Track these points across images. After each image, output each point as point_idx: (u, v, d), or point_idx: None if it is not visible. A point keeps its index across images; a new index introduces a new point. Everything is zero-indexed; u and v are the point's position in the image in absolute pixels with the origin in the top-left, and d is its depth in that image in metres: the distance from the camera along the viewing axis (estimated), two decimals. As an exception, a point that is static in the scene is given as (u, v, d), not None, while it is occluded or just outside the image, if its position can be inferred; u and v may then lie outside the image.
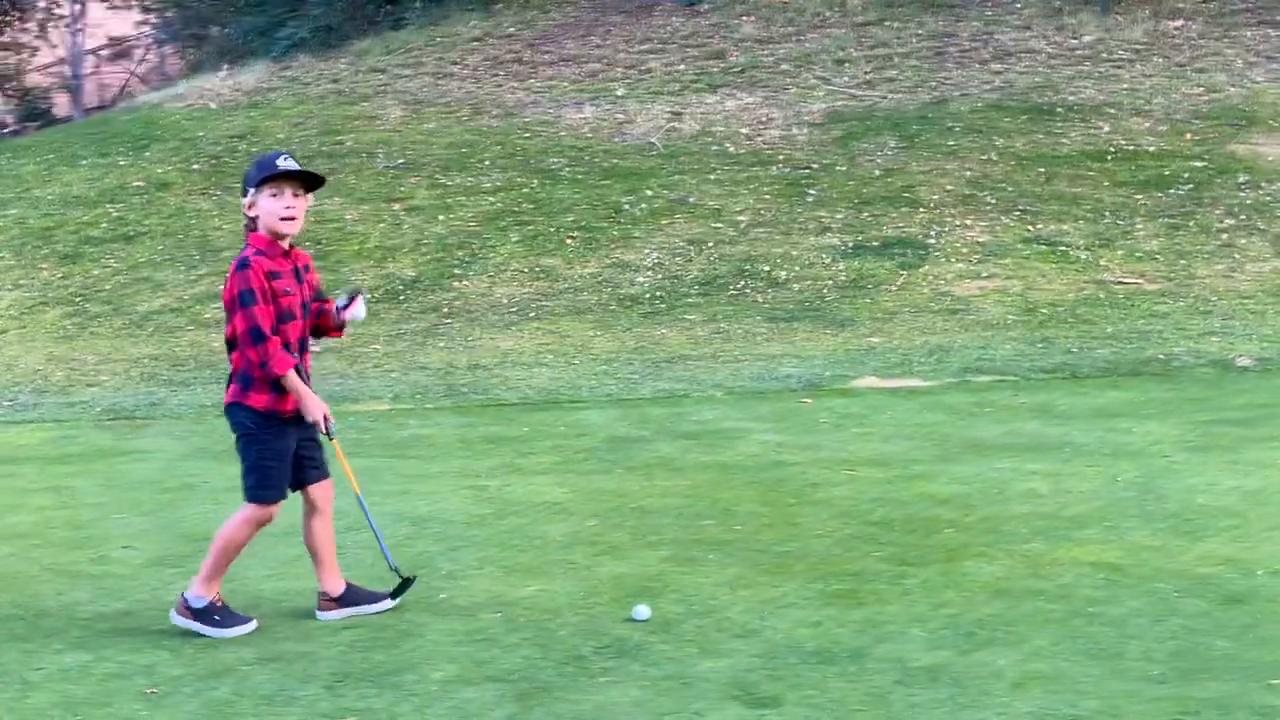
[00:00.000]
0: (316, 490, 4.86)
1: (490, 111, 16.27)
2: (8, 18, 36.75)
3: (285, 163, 4.59)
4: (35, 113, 33.39)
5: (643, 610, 4.92)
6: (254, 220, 4.66)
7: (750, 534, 5.96)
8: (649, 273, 12.06)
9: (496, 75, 17.54)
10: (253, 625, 4.78)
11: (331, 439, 4.85)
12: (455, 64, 18.09)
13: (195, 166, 15.44)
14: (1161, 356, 9.42)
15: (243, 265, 4.55)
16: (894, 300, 11.31)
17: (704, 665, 4.41)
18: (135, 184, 15.12)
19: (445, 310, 11.72)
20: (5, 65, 36.52)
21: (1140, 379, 8.91)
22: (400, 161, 14.80)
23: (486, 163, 14.64)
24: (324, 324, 4.87)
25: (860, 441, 7.66)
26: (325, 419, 4.74)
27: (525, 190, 13.89)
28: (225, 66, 21.84)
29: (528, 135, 15.34)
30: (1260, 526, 5.79)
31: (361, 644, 4.75)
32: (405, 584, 4.98)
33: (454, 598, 5.03)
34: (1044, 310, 10.90)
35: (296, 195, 4.63)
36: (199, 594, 4.77)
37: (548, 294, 11.84)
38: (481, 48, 18.55)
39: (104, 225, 14.19)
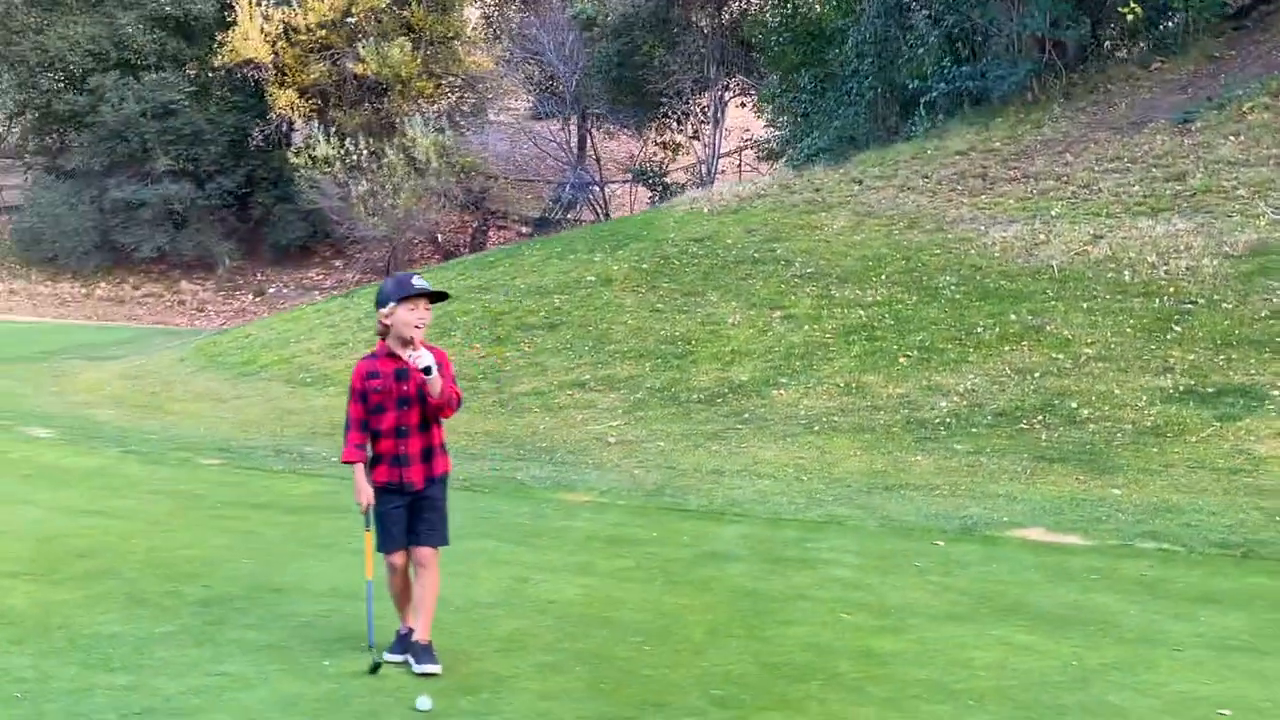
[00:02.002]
0: (413, 553, 6.14)
1: (924, 226, 16.64)
2: (670, 120, 41.35)
3: (419, 282, 5.95)
4: (669, 208, 36.91)
5: (424, 701, 5.75)
6: (386, 329, 6.09)
7: (599, 658, 6.46)
8: (955, 398, 12.09)
9: (955, 190, 17.82)
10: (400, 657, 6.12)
11: (366, 529, 6.15)
12: (925, 177, 18.55)
13: (644, 265, 17.16)
14: None
15: (355, 369, 6.08)
16: (1182, 453, 10.62)
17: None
18: (589, 278, 17.10)
19: (746, 416, 12.46)
20: (654, 161, 41.07)
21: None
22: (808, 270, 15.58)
23: (883, 277, 15.11)
24: (434, 405, 5.99)
25: (910, 590, 7.69)
26: (364, 506, 6.05)
27: (898, 306, 14.23)
28: (767, 170, 23.61)
29: (938, 252, 15.60)
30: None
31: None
32: (375, 667, 6.00)
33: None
34: None
35: (427, 308, 5.94)
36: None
37: (846, 410, 12.23)
38: (957, 162, 18.85)
39: (542, 314, 16.24)
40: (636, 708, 5.74)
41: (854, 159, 20.83)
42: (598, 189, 41.06)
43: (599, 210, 41.28)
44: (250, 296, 42.01)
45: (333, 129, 39.80)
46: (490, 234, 44.59)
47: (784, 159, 25.38)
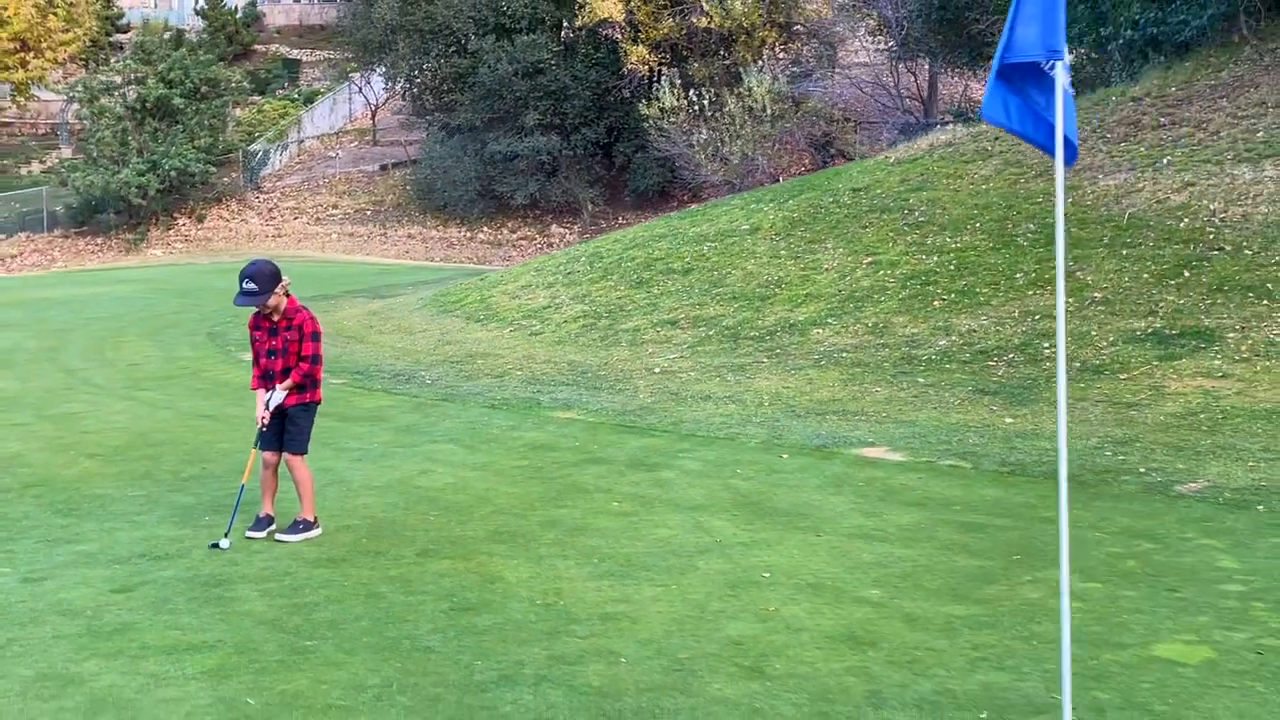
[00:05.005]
0: (285, 457, 8.70)
1: (1051, 174, 17.68)
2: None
3: (239, 299, 8.44)
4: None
5: (225, 543, 8.53)
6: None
7: (386, 523, 9.00)
8: (955, 338, 13.60)
9: (1104, 137, 18.60)
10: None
11: (254, 447, 8.79)
12: (1088, 125, 19.35)
13: (796, 215, 19.09)
14: (1142, 470, 9.60)
15: (249, 320, 8.82)
16: (1103, 388, 11.83)
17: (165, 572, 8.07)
18: (743, 227, 19.22)
19: (777, 352, 14.42)
20: (973, 101, 41.52)
21: (1052, 484, 9.42)
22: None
23: (977, 225, 16.46)
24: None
25: (694, 489, 9.75)
26: (259, 421, 8.65)
27: (969, 253, 15.64)
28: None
29: (1040, 200, 16.72)
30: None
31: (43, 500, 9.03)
32: (216, 545, 8.40)
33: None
34: (1200, 415, 10.87)
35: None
36: None
37: (861, 347, 13.98)
38: (1126, 108, 19.48)
39: (686, 259, 18.55)
40: (359, 553, 8.24)
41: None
42: (923, 131, 41.99)
43: (927, 151, 42.29)
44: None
45: (677, 82, 42.77)
46: (832, 176, 46.28)
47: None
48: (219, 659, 6.37)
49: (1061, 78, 4.23)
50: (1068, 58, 4.21)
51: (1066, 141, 4.34)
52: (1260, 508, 8.61)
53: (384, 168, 52.27)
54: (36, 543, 8.50)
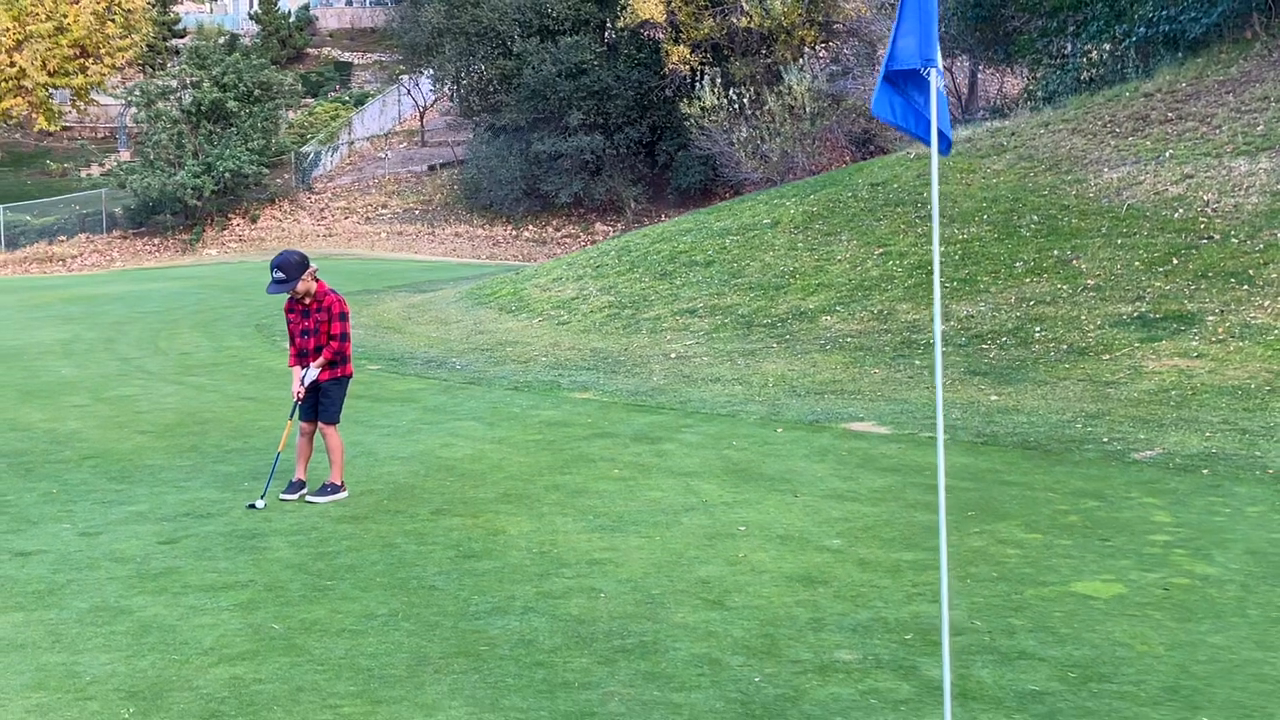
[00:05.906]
0: (319, 425, 9.72)
1: (1060, 169, 18.39)
2: (1040, 55, 41.98)
3: (271, 287, 9.55)
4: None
5: (260, 503, 9.49)
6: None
7: (404, 486, 9.92)
8: (954, 323, 14.37)
9: (1114, 132, 19.26)
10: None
11: (289, 419, 9.86)
12: (1099, 119, 20.02)
13: (815, 209, 19.88)
14: (1105, 440, 10.36)
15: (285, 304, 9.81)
16: (1086, 369, 12.58)
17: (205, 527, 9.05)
18: (764, 221, 20.04)
19: (787, 338, 15.25)
20: (1008, 99, 41.98)
21: (1019, 453, 10.21)
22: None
23: (984, 217, 17.20)
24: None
25: (690, 458, 10.61)
26: (295, 395, 9.67)
27: (973, 243, 16.40)
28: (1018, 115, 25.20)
29: (1046, 193, 17.43)
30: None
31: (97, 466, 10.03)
32: (252, 506, 9.40)
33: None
34: (1171, 392, 11.60)
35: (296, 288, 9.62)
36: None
37: (866, 333, 14.78)
38: (1136, 103, 20.12)
39: (709, 252, 19.40)
40: (380, 512, 9.15)
41: (1069, 103, 22.25)
42: (961, 126, 42.52)
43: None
44: (649, 236, 46.66)
45: (718, 81, 43.61)
46: (872, 172, 46.86)
47: (1026, 104, 26.72)
48: (250, 595, 7.30)
49: (935, 81, 5.05)
50: (940, 64, 5.03)
51: (941, 134, 5.17)
52: (1205, 471, 9.34)
53: (432, 168, 53.45)
54: (93, 504, 9.48)
